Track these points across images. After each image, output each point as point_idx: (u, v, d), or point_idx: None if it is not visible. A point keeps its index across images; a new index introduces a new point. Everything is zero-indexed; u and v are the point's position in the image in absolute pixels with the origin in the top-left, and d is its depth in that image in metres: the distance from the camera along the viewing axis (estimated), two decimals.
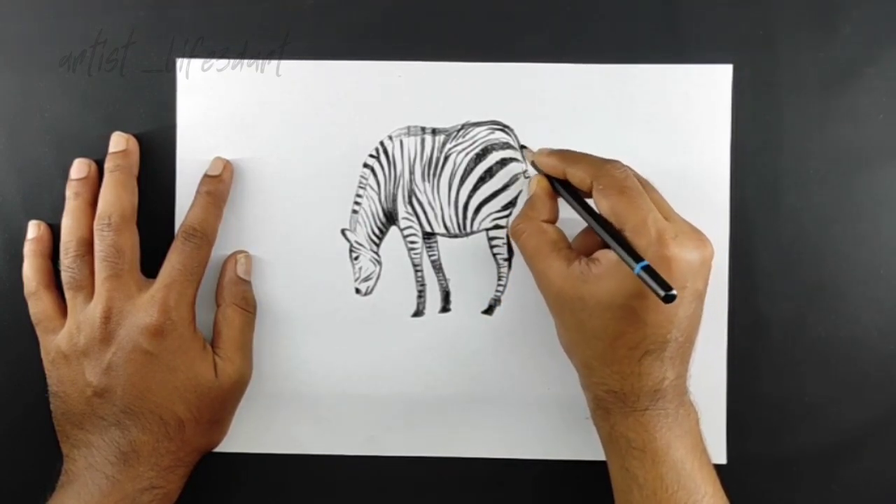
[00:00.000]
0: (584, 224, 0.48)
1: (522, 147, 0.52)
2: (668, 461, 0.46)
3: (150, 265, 0.50)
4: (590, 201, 0.47)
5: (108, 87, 0.52)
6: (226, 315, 0.51)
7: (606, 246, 0.45)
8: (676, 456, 0.46)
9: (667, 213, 0.46)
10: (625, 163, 0.47)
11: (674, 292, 0.41)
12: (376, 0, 0.52)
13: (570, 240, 0.49)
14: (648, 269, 0.42)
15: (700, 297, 0.46)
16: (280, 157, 0.52)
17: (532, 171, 0.51)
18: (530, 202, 0.49)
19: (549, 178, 0.49)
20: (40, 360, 0.50)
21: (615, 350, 0.46)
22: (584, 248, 0.48)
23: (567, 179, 0.48)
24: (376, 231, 0.52)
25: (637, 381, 0.46)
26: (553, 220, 0.49)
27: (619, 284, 0.44)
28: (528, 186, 0.50)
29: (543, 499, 0.53)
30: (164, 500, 0.48)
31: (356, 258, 0.52)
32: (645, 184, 0.47)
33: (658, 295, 0.41)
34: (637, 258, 0.43)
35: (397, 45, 0.52)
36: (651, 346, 0.45)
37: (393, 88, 0.52)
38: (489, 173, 0.52)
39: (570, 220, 0.49)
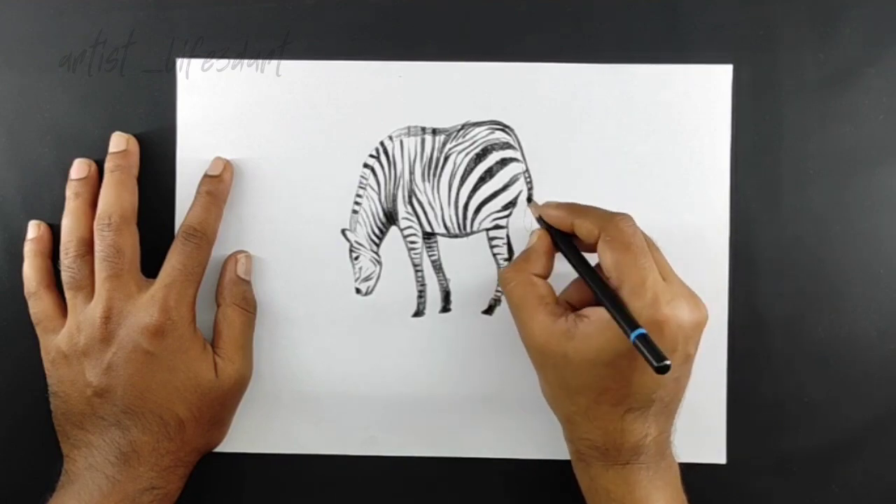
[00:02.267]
0: (574, 275, 0.48)
1: (529, 200, 0.51)
2: None
3: (150, 265, 0.50)
4: (590, 256, 0.47)
5: (108, 87, 0.52)
6: (226, 315, 0.51)
7: (597, 301, 0.45)
8: None
9: (667, 273, 0.46)
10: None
11: (667, 362, 0.40)
12: (376, 0, 0.52)
13: (559, 291, 0.48)
14: (644, 338, 0.42)
15: (689, 361, 0.46)
16: (280, 157, 0.52)
17: (532, 223, 0.51)
18: (526, 254, 0.49)
19: (552, 232, 0.49)
20: (40, 360, 0.50)
21: (598, 406, 0.45)
22: (574, 300, 0.48)
23: (573, 232, 0.48)
24: (376, 231, 0.52)
25: (619, 437, 0.46)
26: (545, 276, 0.48)
27: (607, 343, 0.44)
28: (528, 238, 0.50)
29: (543, 499, 0.53)
30: (165, 500, 0.48)
31: (356, 258, 0.52)
32: (650, 242, 0.47)
33: (651, 365, 0.41)
34: (633, 325, 0.42)
35: (397, 45, 0.52)
36: (635, 403, 0.45)
37: (393, 88, 0.52)
38: (489, 173, 0.52)
39: (562, 274, 0.49)
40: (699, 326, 0.46)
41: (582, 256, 0.47)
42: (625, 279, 0.44)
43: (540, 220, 0.50)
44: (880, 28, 0.52)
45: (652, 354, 0.41)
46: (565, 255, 0.48)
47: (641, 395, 0.45)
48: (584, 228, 0.47)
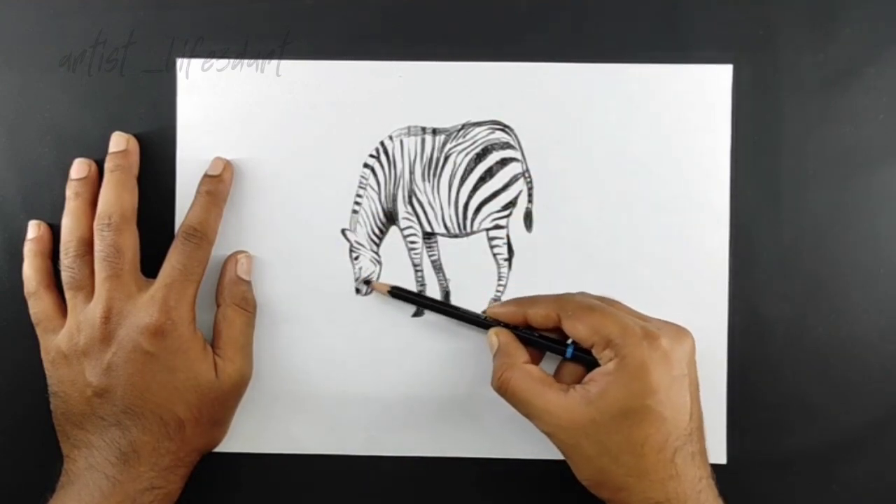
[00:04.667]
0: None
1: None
2: None
3: (150, 265, 0.50)
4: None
5: (108, 87, 0.52)
6: (226, 315, 0.51)
7: (587, 371, 0.47)
8: None
9: (639, 315, 0.47)
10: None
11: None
12: (376, 0, 0.52)
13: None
14: (577, 346, 0.47)
15: (696, 387, 0.47)
16: (280, 157, 0.52)
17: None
18: (503, 352, 0.49)
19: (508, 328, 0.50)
20: (40, 360, 0.50)
21: (646, 458, 0.45)
22: (567, 382, 0.48)
23: (526, 324, 0.49)
24: (376, 231, 0.52)
25: (679, 485, 0.45)
26: (531, 362, 0.48)
27: (627, 391, 0.44)
28: (489, 344, 0.50)
29: (543, 498, 0.53)
30: (165, 500, 0.48)
31: (356, 258, 0.52)
32: (609, 300, 0.49)
33: (597, 364, 0.46)
34: (564, 346, 0.48)
35: (397, 45, 0.52)
36: (677, 442, 0.45)
37: (393, 88, 0.52)
38: (489, 173, 0.52)
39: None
40: (693, 350, 0.47)
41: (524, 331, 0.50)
42: (608, 333, 0.45)
43: (491, 321, 0.50)
44: (880, 28, 0.52)
45: (588, 355, 0.47)
46: (523, 337, 0.50)
47: (678, 429, 0.45)
48: (539, 316, 0.48)
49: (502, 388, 0.47)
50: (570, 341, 0.49)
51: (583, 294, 0.49)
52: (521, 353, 0.48)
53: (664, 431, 0.45)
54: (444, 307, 0.51)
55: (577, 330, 0.47)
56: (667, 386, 0.45)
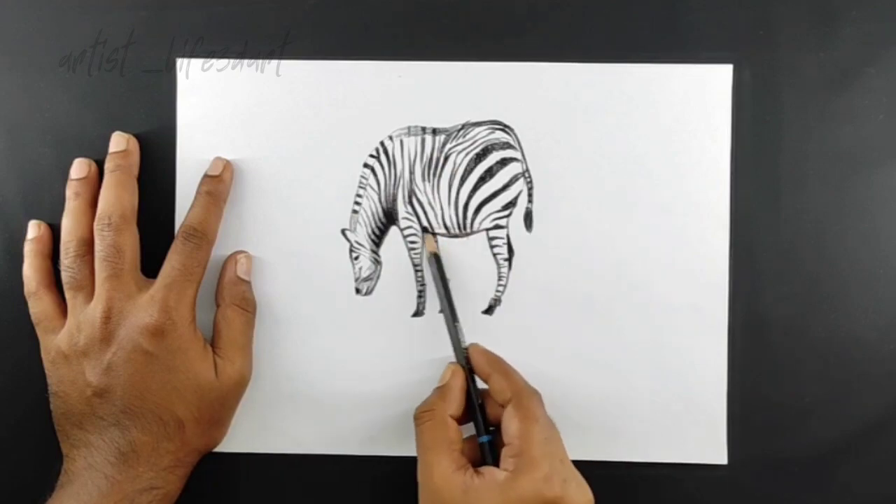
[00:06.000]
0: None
1: (425, 230, 0.52)
2: None
3: (150, 265, 0.50)
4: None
5: (108, 87, 0.52)
6: (226, 315, 0.51)
7: (492, 461, 0.47)
8: None
9: (563, 456, 0.47)
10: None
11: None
12: (376, 0, 0.52)
13: None
14: (490, 443, 0.48)
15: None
16: (280, 157, 0.52)
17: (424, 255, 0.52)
18: (442, 392, 0.49)
19: (467, 371, 0.50)
20: (40, 360, 0.50)
21: None
22: (468, 456, 0.48)
23: (486, 382, 0.49)
24: (376, 231, 0.52)
25: None
26: (458, 417, 0.49)
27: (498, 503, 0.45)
28: (443, 372, 0.50)
29: None
30: (164, 500, 0.48)
31: (356, 258, 0.52)
32: (552, 424, 0.48)
33: (488, 464, 0.47)
34: (485, 433, 0.48)
35: (397, 45, 0.52)
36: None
37: (393, 88, 0.52)
38: (489, 173, 0.52)
39: None
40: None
41: (475, 386, 0.50)
42: (525, 450, 0.46)
43: (464, 352, 0.50)
44: (880, 28, 0.52)
45: (493, 458, 0.47)
46: (468, 386, 0.50)
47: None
48: (498, 386, 0.48)
49: (416, 422, 0.49)
50: (486, 438, 0.49)
51: (540, 402, 0.48)
52: (455, 405, 0.49)
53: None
54: (449, 310, 0.51)
55: (510, 425, 0.47)
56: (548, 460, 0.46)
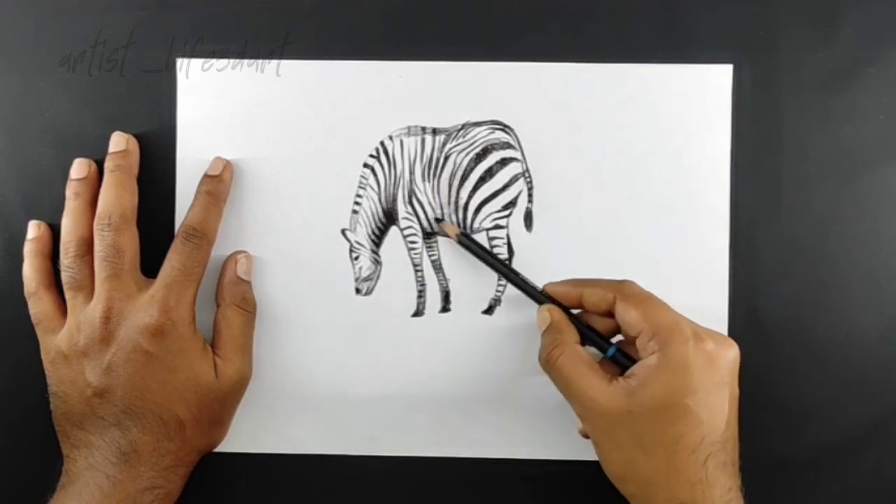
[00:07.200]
0: None
1: (439, 220, 0.52)
2: None
3: (150, 265, 0.50)
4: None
5: (108, 87, 0.52)
6: (226, 315, 0.51)
7: (628, 364, 0.47)
8: None
9: (692, 321, 0.47)
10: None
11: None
12: (376, 0, 0.52)
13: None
14: (619, 348, 0.48)
15: (736, 398, 0.47)
16: (280, 157, 0.52)
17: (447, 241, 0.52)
18: (554, 330, 0.49)
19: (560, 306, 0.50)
20: (40, 360, 0.50)
21: (678, 456, 0.44)
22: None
23: (580, 304, 0.49)
24: (376, 231, 0.52)
25: (707, 491, 0.44)
26: (581, 343, 0.48)
27: (667, 386, 0.44)
28: (539, 320, 0.50)
29: (543, 499, 0.53)
30: (165, 500, 0.48)
31: (356, 258, 0.52)
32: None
33: (630, 364, 0.46)
34: (608, 343, 0.48)
35: (397, 45, 0.52)
36: (711, 447, 0.45)
37: (393, 88, 0.52)
38: (489, 173, 0.52)
39: None
40: (737, 361, 0.47)
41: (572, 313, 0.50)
42: (659, 325, 0.45)
43: (543, 294, 0.50)
44: (880, 28, 0.52)
45: (628, 359, 0.47)
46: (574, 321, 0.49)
47: (713, 433, 0.45)
48: (595, 296, 0.48)
49: (549, 364, 0.48)
50: (614, 340, 0.48)
51: (640, 286, 0.48)
52: (572, 333, 0.48)
53: (699, 433, 0.45)
54: (505, 269, 0.51)
55: (629, 315, 0.46)
56: (707, 389, 0.45)
